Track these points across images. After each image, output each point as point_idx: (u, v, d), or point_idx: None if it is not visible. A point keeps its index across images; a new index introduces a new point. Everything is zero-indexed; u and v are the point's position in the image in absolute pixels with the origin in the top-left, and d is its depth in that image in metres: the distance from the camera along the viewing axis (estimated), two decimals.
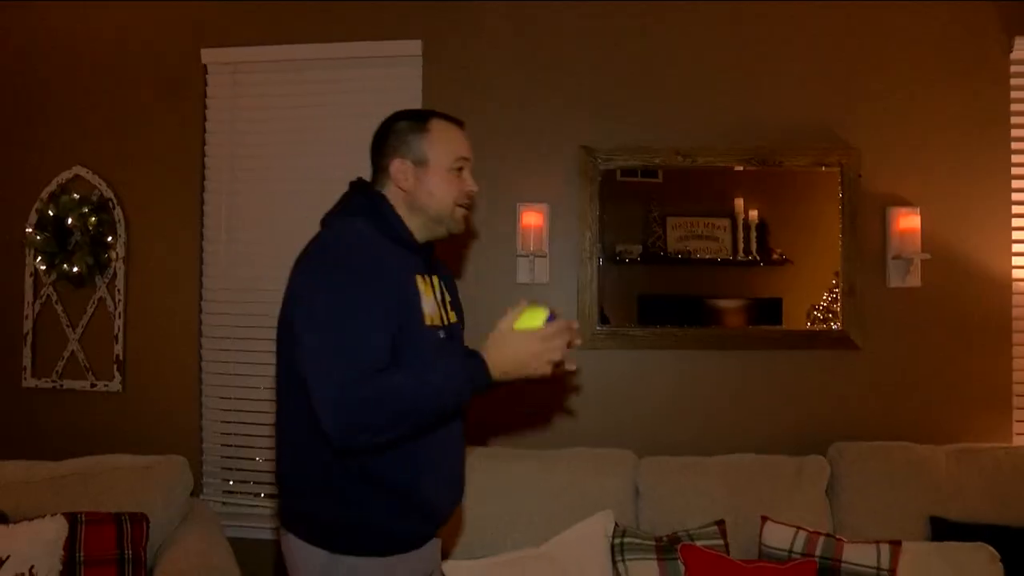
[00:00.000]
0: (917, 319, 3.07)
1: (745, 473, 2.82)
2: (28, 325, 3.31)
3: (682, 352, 3.11)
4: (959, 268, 3.06)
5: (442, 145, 1.76)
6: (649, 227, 3.15)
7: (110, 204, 3.27)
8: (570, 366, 1.70)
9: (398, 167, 1.74)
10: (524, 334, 1.63)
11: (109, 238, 3.25)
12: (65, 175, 3.29)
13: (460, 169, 1.79)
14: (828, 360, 3.08)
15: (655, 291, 3.18)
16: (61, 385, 3.30)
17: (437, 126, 1.78)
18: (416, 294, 1.69)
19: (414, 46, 3.16)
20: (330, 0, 3.21)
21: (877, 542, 2.48)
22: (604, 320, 3.13)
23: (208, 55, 3.25)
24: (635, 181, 3.16)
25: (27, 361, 3.31)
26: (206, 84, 3.29)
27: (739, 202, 3.13)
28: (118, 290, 3.27)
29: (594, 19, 3.15)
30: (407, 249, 1.74)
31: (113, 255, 3.26)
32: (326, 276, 1.60)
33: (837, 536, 2.55)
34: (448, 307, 1.87)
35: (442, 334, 1.75)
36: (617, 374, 3.13)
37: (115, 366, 3.27)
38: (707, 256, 3.13)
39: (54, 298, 3.31)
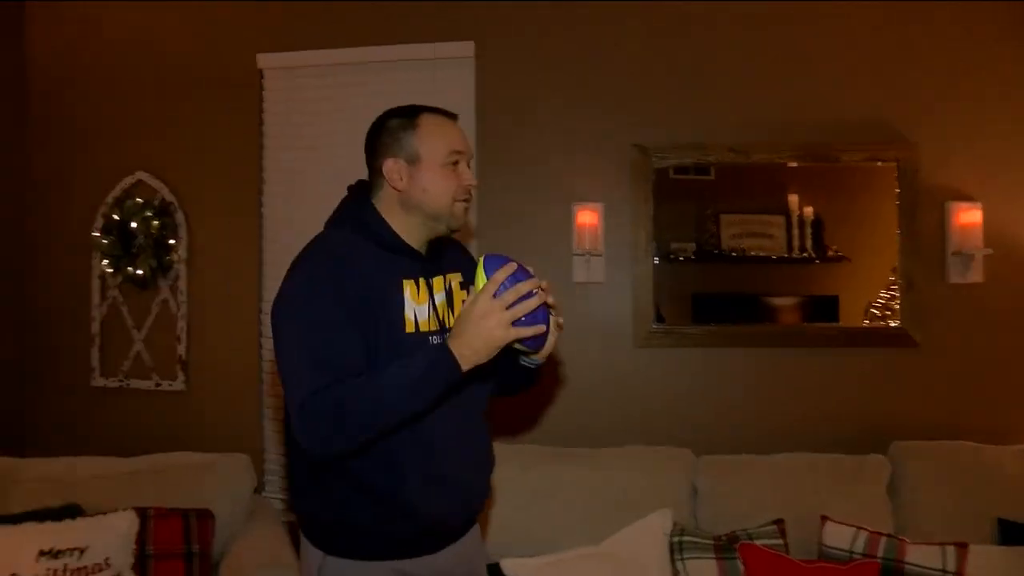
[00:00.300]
0: (979, 315, 3.02)
1: (803, 472, 2.80)
2: (96, 326, 3.41)
3: (738, 350, 3.10)
4: (1023, 262, 3.01)
5: (433, 140, 1.69)
6: (703, 225, 3.14)
7: (171, 207, 3.35)
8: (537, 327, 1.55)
9: (391, 167, 1.69)
10: (473, 301, 1.53)
11: (171, 241, 3.33)
12: (128, 180, 3.38)
13: (455, 163, 1.71)
14: (887, 358, 3.05)
15: (709, 289, 3.17)
16: (127, 384, 3.39)
17: (427, 121, 1.71)
18: (398, 301, 1.66)
19: (466, 47, 3.18)
20: (383, 2, 3.24)
21: (942, 544, 2.44)
22: (659, 319, 3.13)
23: (264, 60, 3.31)
24: (688, 179, 3.15)
25: (95, 361, 3.41)
26: (262, 88, 3.35)
27: (793, 199, 3.10)
28: (180, 291, 3.35)
29: (646, 16, 3.14)
30: (397, 254, 1.70)
31: (175, 257, 3.34)
32: (295, 289, 1.61)
33: (900, 537, 2.52)
34: (458, 307, 1.77)
35: (436, 339, 1.69)
36: (673, 372, 3.13)
37: (178, 366, 3.35)
38: (761, 254, 3.11)
39: (119, 300, 3.40)
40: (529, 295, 1.52)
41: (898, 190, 3.03)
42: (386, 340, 1.61)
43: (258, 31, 3.34)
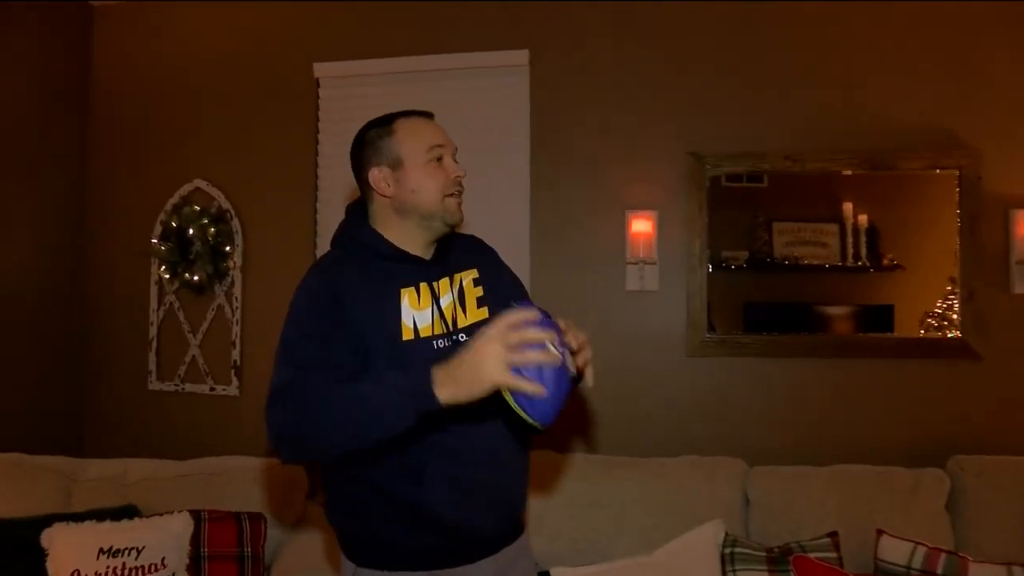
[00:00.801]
0: None
1: (858, 484, 2.74)
2: (153, 331, 3.49)
3: (791, 360, 3.06)
4: None
5: (412, 140, 1.69)
6: (755, 233, 3.11)
7: (228, 215, 3.41)
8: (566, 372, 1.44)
9: (376, 176, 1.70)
10: (479, 334, 1.44)
11: (227, 247, 3.40)
12: (187, 187, 3.46)
13: (439, 158, 1.70)
14: (945, 369, 2.98)
15: (762, 298, 3.15)
16: (183, 388, 3.46)
17: (403, 124, 1.71)
18: (393, 310, 1.65)
19: (521, 56, 3.19)
20: (438, 11, 3.28)
21: (1009, 564, 2.36)
22: (711, 328, 3.10)
23: (320, 69, 3.36)
24: (740, 186, 3.13)
25: (152, 365, 3.49)
26: (318, 97, 3.40)
27: (848, 207, 3.06)
28: (235, 297, 3.41)
29: (700, 25, 3.14)
30: (396, 263, 1.69)
31: (231, 264, 3.40)
32: (289, 308, 1.67)
33: (961, 554, 2.44)
34: (471, 306, 1.75)
35: (443, 342, 1.66)
36: (726, 382, 3.10)
37: (232, 371, 3.41)
38: (815, 262, 3.08)
39: (176, 305, 3.47)
40: (542, 347, 1.38)
41: (959, 198, 2.97)
42: (384, 350, 1.61)
43: (315, 40, 3.39)
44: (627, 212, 3.12)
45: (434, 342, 1.66)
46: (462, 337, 1.68)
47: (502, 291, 1.82)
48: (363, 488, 1.65)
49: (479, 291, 1.78)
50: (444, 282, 1.73)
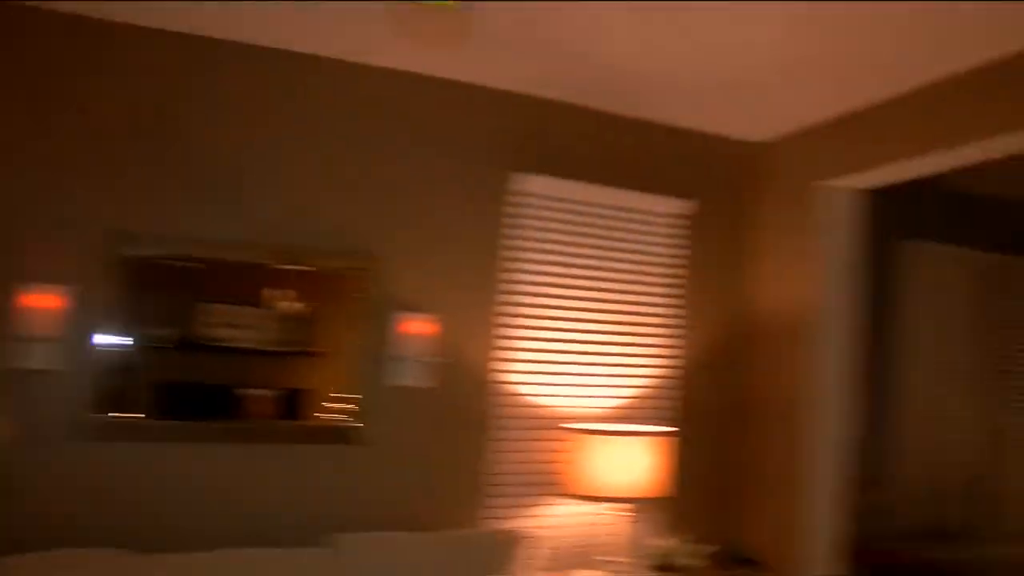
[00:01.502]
0: (423, 415, 3.41)
1: (246, 568, 2.82)
2: None
3: (197, 445, 3.09)
4: (460, 370, 3.48)
5: None
6: (184, 313, 3.12)
7: None
8: None
9: None
10: None
11: None
12: None
13: None
14: (339, 453, 3.27)
15: (183, 379, 3.15)
16: None
17: None
18: None
19: None
20: None
21: None
22: (121, 409, 2.99)
23: None
24: (173, 266, 3.10)
25: None
26: None
27: (273, 293, 3.25)
28: None
29: (134, 114, 3.09)
30: None
31: None
32: None
33: None
34: None
35: None
36: (126, 468, 2.98)
37: None
38: (240, 345, 3.18)
39: None
40: None
41: (363, 297, 3.33)
42: None
43: None
44: (27, 285, 2.84)
45: None
46: None
47: None
48: None
49: None
50: None
